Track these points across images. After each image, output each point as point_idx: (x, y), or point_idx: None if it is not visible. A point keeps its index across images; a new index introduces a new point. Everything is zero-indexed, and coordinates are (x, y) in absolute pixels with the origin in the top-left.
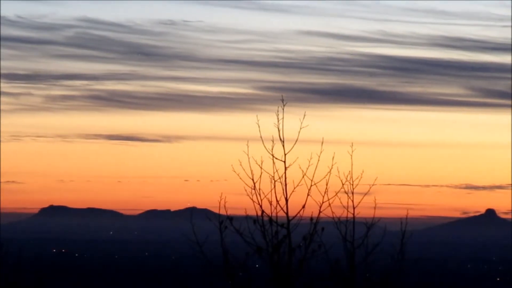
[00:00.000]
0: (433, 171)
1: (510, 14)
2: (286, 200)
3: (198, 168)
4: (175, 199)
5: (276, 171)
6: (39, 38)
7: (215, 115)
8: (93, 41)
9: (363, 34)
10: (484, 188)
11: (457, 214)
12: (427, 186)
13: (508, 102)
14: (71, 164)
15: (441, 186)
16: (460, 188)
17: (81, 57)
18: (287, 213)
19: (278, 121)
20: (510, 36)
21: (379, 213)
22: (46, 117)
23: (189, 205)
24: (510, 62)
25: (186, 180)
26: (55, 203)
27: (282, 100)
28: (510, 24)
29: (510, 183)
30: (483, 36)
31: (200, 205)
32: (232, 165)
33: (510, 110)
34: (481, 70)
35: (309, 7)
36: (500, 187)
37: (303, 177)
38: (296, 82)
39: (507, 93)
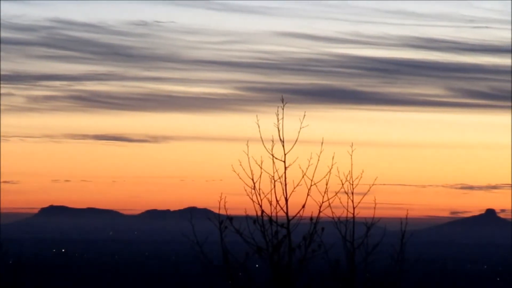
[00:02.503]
0: (428, 171)
1: (480, 15)
2: (286, 200)
3: (193, 168)
4: (174, 199)
5: (276, 171)
6: (14, 38)
7: (198, 115)
8: (67, 41)
9: (337, 35)
10: (480, 188)
11: (455, 215)
12: (424, 186)
13: (489, 102)
14: (63, 164)
15: (437, 186)
16: (456, 188)
17: (58, 57)
18: (287, 213)
19: (278, 121)
20: (482, 38)
21: (379, 213)
22: (31, 117)
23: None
24: (485, 63)
25: (182, 180)
26: (55, 203)
27: (282, 100)
28: (481, 25)
29: (507, 183)
30: (455, 37)
31: (200, 205)
32: (232, 165)
33: (491, 110)
34: (458, 71)
35: (282, 9)
36: (496, 187)
37: (303, 177)
38: (276, 83)
39: (488, 94)
